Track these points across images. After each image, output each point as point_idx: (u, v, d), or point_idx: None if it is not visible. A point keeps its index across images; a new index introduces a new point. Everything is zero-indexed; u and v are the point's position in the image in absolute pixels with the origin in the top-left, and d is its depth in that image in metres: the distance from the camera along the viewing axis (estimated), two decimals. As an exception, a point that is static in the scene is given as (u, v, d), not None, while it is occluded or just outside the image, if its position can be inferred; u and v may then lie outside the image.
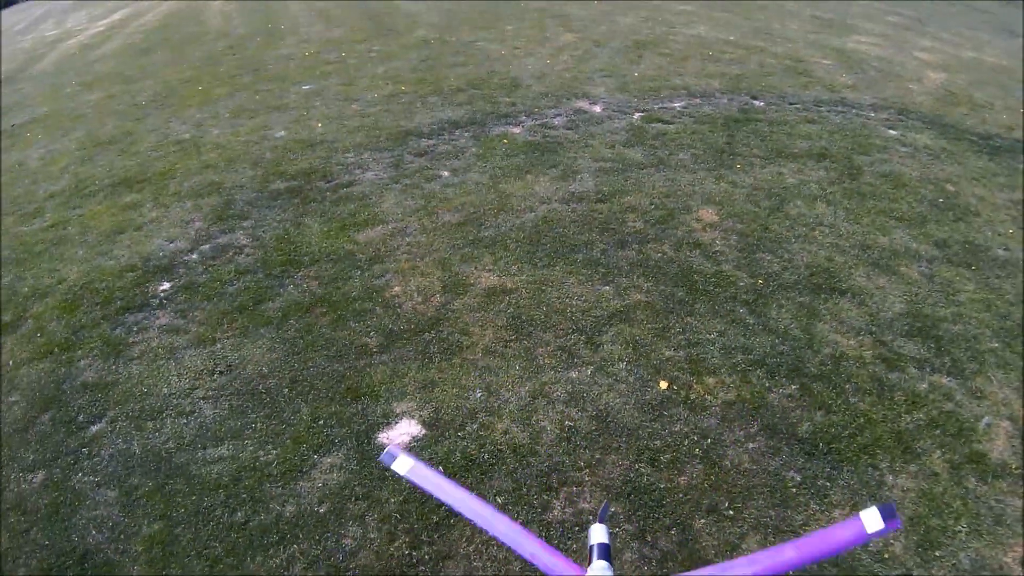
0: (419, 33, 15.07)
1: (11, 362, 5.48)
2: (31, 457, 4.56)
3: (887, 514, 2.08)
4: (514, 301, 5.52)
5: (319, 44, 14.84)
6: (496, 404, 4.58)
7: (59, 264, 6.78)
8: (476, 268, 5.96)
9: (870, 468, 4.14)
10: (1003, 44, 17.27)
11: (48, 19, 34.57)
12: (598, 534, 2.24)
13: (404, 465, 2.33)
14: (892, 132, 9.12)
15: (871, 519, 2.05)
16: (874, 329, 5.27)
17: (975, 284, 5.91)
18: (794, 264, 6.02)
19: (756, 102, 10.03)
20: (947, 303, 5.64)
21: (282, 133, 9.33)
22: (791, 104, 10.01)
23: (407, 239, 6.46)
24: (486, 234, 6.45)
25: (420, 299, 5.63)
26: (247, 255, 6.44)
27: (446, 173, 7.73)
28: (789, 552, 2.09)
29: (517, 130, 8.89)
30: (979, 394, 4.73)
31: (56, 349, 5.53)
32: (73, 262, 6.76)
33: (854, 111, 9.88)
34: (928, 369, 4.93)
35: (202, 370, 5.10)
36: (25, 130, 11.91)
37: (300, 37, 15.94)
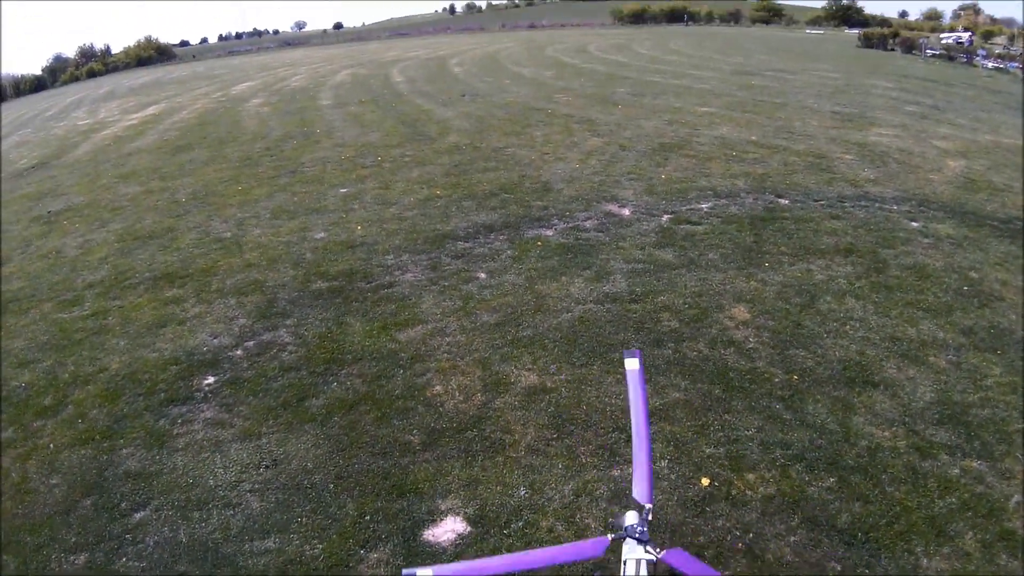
0: (451, 139, 15.96)
1: (52, 445, 5.80)
2: (73, 539, 4.80)
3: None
4: (554, 400, 5.79)
5: (355, 148, 15.72)
6: (540, 502, 4.79)
7: (100, 353, 7.19)
8: (516, 367, 6.26)
9: (906, 553, 4.31)
10: (1018, 123, 17.91)
11: (80, 108, 36.54)
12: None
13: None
14: (914, 224, 9.59)
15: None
16: (907, 419, 5.52)
17: (1001, 368, 6.19)
18: (827, 359, 6.30)
19: (781, 200, 10.55)
20: (975, 388, 5.91)
21: (322, 234, 9.89)
22: (815, 201, 10.52)
23: (447, 339, 6.80)
24: (524, 334, 6.79)
25: (461, 398, 5.92)
26: (291, 352, 6.79)
27: (483, 275, 8.16)
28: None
29: (550, 233, 9.36)
30: (1008, 475, 4.94)
31: (98, 436, 5.85)
32: (114, 352, 7.16)
33: (877, 205, 10.38)
34: (959, 454, 5.15)
35: (248, 464, 5.36)
36: (62, 218, 12.63)
37: (335, 141, 16.86)
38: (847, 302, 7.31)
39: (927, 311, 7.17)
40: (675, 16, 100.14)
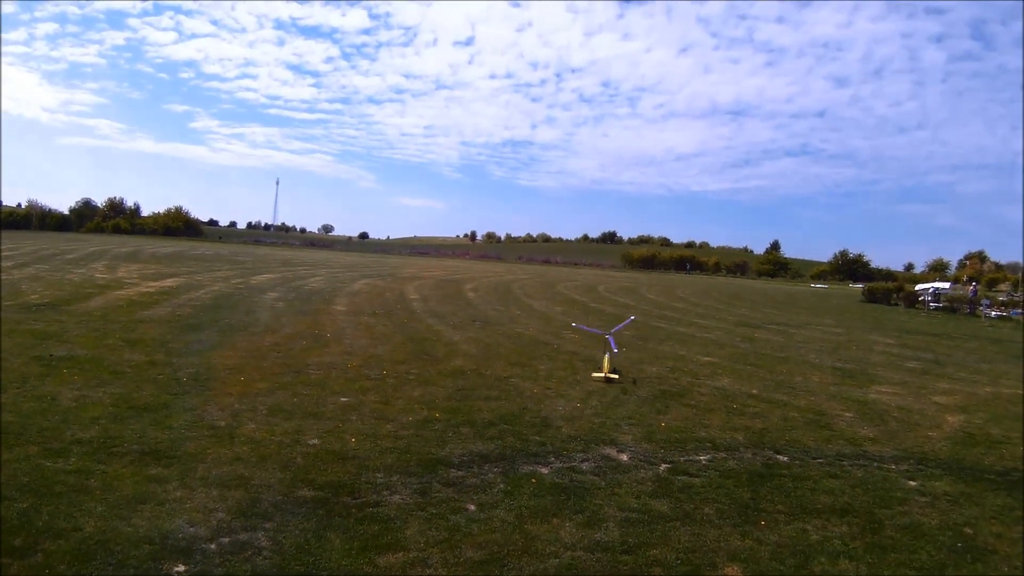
0: (456, 362, 16.48)
1: (16, 586, 5.58)
2: None
3: None
4: (531, 654, 5.55)
5: (362, 358, 16.18)
6: None
7: (77, 512, 7.06)
8: (496, 613, 6.06)
9: None
10: (1019, 372, 18.56)
11: (100, 260, 37.75)
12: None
13: None
14: (912, 483, 9.73)
15: None
16: None
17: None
18: (817, 625, 6.15)
19: (780, 457, 10.70)
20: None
21: (316, 440, 9.96)
22: (814, 459, 10.67)
23: (428, 571, 6.62)
24: (509, 576, 6.62)
25: (435, 639, 5.68)
26: (265, 558, 6.61)
27: (472, 507, 8.09)
28: None
29: (545, 471, 9.40)
30: None
31: (64, 592, 5.64)
32: (91, 515, 7.03)
33: (875, 464, 10.56)
34: None
35: (201, 675, 5.09)
36: (63, 365, 12.92)
37: (344, 348, 17.38)
38: (840, 563, 7.23)
39: (919, 570, 7.15)
40: (682, 264, 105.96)
